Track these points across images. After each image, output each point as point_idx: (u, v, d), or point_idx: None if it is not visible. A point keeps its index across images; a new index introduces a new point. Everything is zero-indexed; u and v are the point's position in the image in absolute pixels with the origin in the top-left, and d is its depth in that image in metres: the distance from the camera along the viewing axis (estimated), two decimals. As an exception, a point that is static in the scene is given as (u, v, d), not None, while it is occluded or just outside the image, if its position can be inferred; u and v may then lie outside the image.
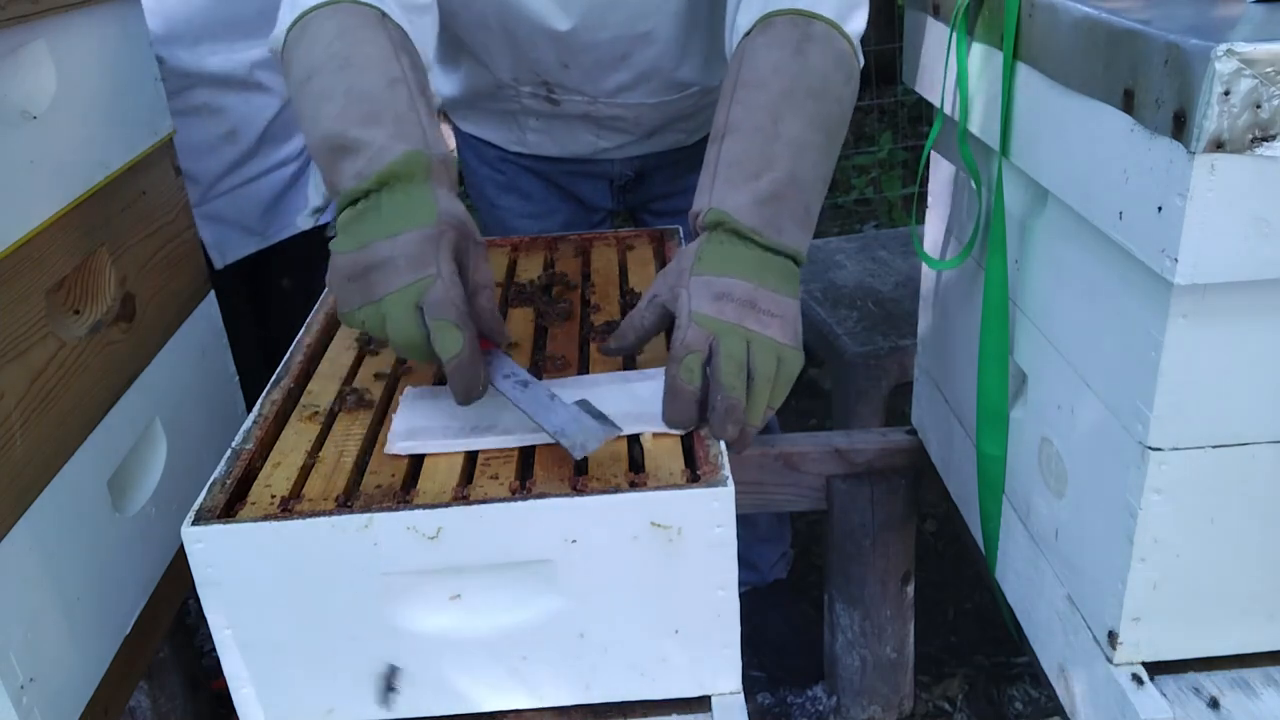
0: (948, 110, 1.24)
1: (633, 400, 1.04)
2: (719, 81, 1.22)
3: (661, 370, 1.03)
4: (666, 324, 1.08)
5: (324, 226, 1.73)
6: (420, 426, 1.03)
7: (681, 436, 1.01)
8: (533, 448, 1.01)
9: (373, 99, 1.02)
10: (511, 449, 1.01)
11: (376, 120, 1.01)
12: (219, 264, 1.74)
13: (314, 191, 1.69)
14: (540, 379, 1.15)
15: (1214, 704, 0.95)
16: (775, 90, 1.11)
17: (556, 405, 0.98)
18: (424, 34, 1.21)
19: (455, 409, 1.05)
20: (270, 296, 1.91)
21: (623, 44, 1.42)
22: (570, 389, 1.07)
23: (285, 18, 1.14)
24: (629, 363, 1.16)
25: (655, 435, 1.00)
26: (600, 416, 0.97)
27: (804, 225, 1.10)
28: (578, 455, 0.93)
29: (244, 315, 1.85)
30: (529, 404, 0.98)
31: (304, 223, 1.71)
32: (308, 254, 1.80)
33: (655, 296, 1.07)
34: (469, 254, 0.99)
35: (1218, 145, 0.75)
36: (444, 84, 1.67)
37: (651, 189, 1.76)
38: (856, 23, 1.20)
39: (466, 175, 1.83)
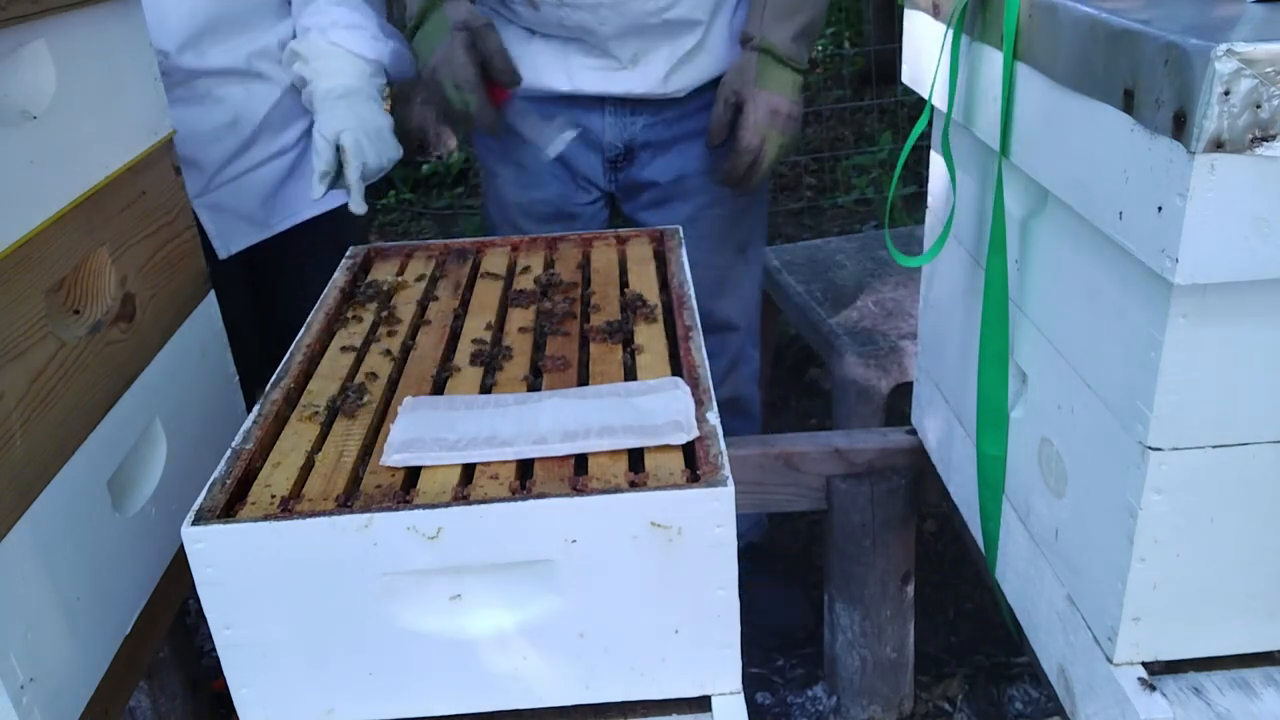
0: (937, 104, 1.24)
1: (635, 413, 1.03)
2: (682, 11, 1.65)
3: (661, 382, 1.08)
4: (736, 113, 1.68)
5: (325, 215, 1.75)
6: (417, 438, 1.02)
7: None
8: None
9: None
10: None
11: None
12: (223, 254, 1.76)
13: (317, 159, 1.69)
14: (540, 380, 1.15)
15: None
16: None
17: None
18: None
19: (454, 420, 1.05)
20: (274, 288, 1.92)
21: None
22: (572, 401, 1.07)
23: None
24: (629, 375, 1.15)
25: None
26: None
27: (811, 50, 1.76)
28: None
29: (246, 306, 1.86)
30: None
31: (316, 191, 1.71)
32: (310, 243, 1.82)
33: (728, 99, 1.69)
34: (478, 37, 1.57)
35: (1218, 145, 0.75)
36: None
37: (641, 170, 1.84)
38: None
39: (475, 144, 2.02)
